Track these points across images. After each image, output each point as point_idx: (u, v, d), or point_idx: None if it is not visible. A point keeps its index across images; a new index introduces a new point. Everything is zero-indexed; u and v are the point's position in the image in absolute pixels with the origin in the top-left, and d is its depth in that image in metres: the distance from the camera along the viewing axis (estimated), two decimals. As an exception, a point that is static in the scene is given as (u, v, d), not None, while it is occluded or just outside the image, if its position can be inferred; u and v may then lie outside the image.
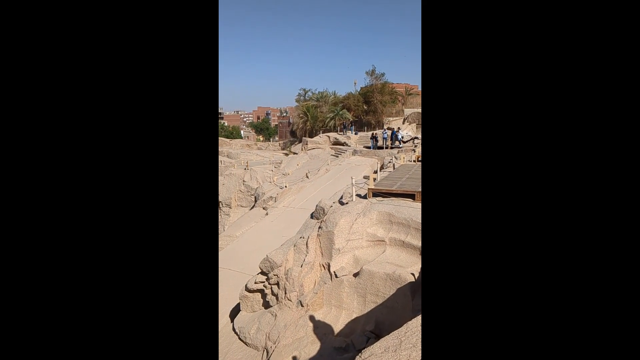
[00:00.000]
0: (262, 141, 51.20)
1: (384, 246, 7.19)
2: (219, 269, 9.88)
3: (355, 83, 38.12)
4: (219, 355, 6.61)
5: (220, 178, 20.02)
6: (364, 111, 35.07)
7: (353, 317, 6.47)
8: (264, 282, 7.36)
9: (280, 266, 7.12)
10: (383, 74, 35.23)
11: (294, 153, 29.32)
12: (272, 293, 7.18)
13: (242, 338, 6.89)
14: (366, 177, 11.15)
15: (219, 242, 12.72)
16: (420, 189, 8.52)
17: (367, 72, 35.81)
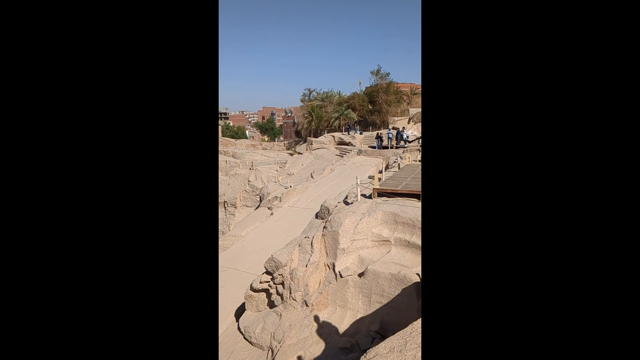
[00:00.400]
0: (267, 141, 51.36)
1: (389, 246, 7.18)
2: (224, 268, 9.93)
3: (360, 83, 38.21)
4: (224, 355, 6.64)
5: (225, 178, 20.13)
6: (369, 111, 34.98)
7: (358, 317, 6.46)
8: (269, 281, 7.38)
9: (285, 266, 7.13)
10: (388, 74, 35.15)
11: (299, 153, 29.34)
12: (277, 293, 7.20)
13: (247, 337, 6.92)
14: (371, 177, 11.13)
15: (224, 242, 12.78)
16: (425, 189, 8.43)
17: (372, 72, 35.72)
